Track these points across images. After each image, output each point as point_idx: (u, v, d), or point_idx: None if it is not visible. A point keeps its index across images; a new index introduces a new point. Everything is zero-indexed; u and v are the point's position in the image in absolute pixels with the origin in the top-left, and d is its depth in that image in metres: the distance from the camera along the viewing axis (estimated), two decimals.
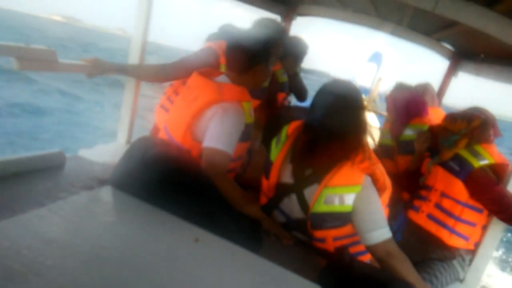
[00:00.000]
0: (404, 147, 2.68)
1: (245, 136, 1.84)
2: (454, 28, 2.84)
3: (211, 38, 2.89)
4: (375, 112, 6.68)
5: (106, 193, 1.35)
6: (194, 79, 1.88)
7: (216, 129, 1.71)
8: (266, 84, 3.10)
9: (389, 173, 2.76)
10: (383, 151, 3.04)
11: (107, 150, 2.28)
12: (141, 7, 2.42)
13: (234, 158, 1.85)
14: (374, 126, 6.04)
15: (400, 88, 3.37)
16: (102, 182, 1.64)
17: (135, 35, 2.49)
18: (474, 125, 2.11)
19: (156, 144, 1.51)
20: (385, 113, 6.97)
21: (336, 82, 1.59)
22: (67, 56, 2.10)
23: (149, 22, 2.50)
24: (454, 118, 2.17)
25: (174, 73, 2.37)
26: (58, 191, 1.52)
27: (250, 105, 1.88)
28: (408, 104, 2.68)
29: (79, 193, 1.34)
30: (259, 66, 1.86)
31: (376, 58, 7.81)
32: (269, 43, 1.89)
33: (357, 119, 1.53)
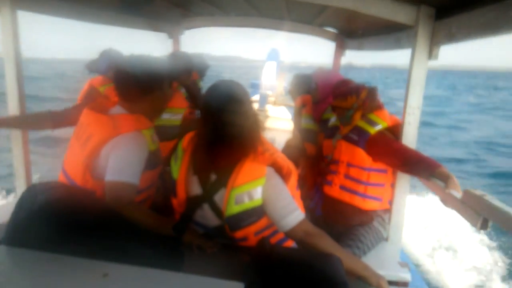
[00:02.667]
0: (328, 130, 2.80)
1: (152, 164, 1.79)
2: (329, 11, 3.04)
3: (91, 65, 2.82)
4: (285, 105, 6.93)
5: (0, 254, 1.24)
6: (86, 116, 1.78)
7: (116, 161, 1.64)
8: (184, 94, 3.13)
9: (312, 156, 2.90)
10: (306, 135, 3.16)
11: (4, 209, 2.10)
12: (5, 18, 2.29)
13: (144, 188, 1.79)
14: (286, 118, 6.24)
15: (298, 78, 3.54)
16: None
17: (6, 55, 2.34)
18: (362, 97, 2.27)
19: (46, 189, 1.42)
20: (293, 104, 7.29)
21: (220, 83, 1.61)
22: None
23: (19, 44, 2.37)
24: (343, 95, 2.31)
25: (64, 119, 2.28)
26: None
27: (151, 132, 1.82)
28: (332, 86, 2.81)
29: None
30: (155, 93, 1.82)
31: (273, 55, 8.13)
32: (162, 69, 1.85)
33: (247, 115, 1.56)
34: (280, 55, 8.41)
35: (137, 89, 1.76)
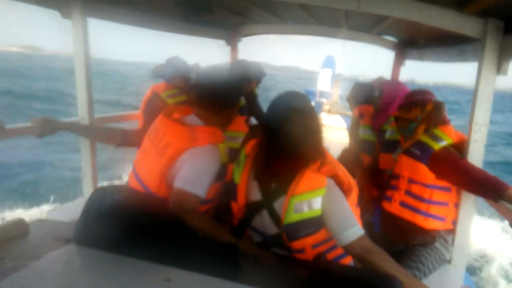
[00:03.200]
0: (385, 143, 2.72)
1: (221, 176, 1.82)
2: (389, 20, 2.96)
3: (158, 70, 2.93)
4: (340, 113, 6.82)
5: (69, 252, 1.31)
6: (162, 123, 1.82)
7: (188, 171, 1.68)
8: (242, 102, 3.17)
9: (368, 168, 2.82)
10: (363, 146, 3.09)
11: (72, 208, 2.23)
12: (76, 25, 2.43)
13: (210, 199, 1.82)
14: (340, 127, 6.13)
15: (357, 86, 3.46)
16: (67, 242, 1.59)
17: (77, 67, 2.50)
18: (428, 110, 2.18)
19: (113, 192, 1.48)
20: (349, 112, 7.15)
21: (285, 95, 1.61)
22: None
23: (89, 49, 2.52)
24: (408, 107, 2.22)
25: (133, 140, 2.36)
26: (24, 259, 1.46)
27: (225, 146, 1.84)
28: (398, 96, 2.72)
29: (43, 257, 1.28)
30: (232, 109, 1.88)
31: (329, 62, 8.05)
32: (242, 86, 1.90)
33: (311, 127, 1.56)
34: (336, 62, 8.31)
35: (221, 101, 1.82)
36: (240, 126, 2.45)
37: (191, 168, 1.67)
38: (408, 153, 2.19)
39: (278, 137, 1.51)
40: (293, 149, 1.51)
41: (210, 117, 1.82)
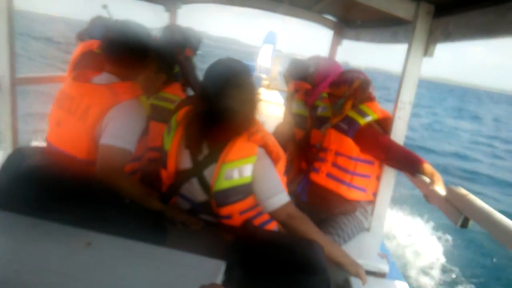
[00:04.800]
0: (316, 119, 2.80)
1: (146, 130, 1.80)
2: None
3: (83, 35, 2.76)
4: (278, 89, 6.91)
5: None
6: (75, 88, 1.71)
7: (115, 127, 1.61)
8: (176, 69, 3.08)
9: (300, 141, 2.91)
10: (296, 120, 3.17)
11: None
12: None
13: (138, 156, 1.78)
14: (278, 103, 6.24)
15: (294, 63, 3.52)
16: None
17: None
18: (354, 86, 2.30)
19: (34, 153, 1.41)
20: (285, 89, 7.27)
21: (225, 60, 1.60)
22: None
23: (13, 17, 2.31)
24: (337, 83, 2.34)
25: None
26: None
27: (145, 99, 1.81)
28: (331, 74, 2.80)
29: None
30: (148, 60, 1.83)
31: (270, 38, 8.06)
32: (150, 36, 1.84)
33: (247, 95, 1.57)
34: (277, 39, 8.35)
35: (132, 53, 1.75)
36: (176, 91, 2.45)
37: (118, 124, 1.62)
38: (336, 127, 2.30)
39: (213, 103, 1.50)
40: (228, 116, 1.51)
41: (124, 72, 1.76)
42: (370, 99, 2.35)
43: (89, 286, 0.97)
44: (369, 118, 2.23)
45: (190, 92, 3.71)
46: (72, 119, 1.65)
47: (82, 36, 2.77)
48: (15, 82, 2.46)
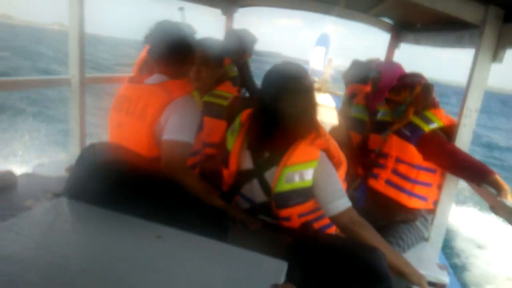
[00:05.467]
0: (376, 123, 2.74)
1: (201, 125, 1.87)
2: (388, 1, 2.94)
3: (148, 39, 2.86)
4: (330, 92, 6.83)
5: (61, 205, 1.31)
6: (132, 90, 1.81)
7: (174, 123, 1.69)
8: (235, 73, 3.15)
9: (357, 145, 2.86)
10: (354, 124, 3.12)
11: (60, 163, 2.21)
12: (73, 4, 2.38)
13: (196, 151, 1.84)
14: (330, 106, 6.16)
15: (355, 65, 3.45)
16: (57, 196, 1.60)
17: (71, 28, 2.45)
18: (416, 92, 2.21)
19: (107, 148, 1.49)
20: (340, 92, 7.17)
21: (283, 64, 1.61)
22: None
23: (84, 13, 2.46)
24: (397, 89, 2.26)
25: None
26: (12, 210, 1.46)
27: (197, 94, 1.89)
28: (395, 78, 2.73)
29: (34, 208, 1.29)
30: (194, 57, 1.90)
31: (323, 40, 7.98)
32: (194, 33, 1.89)
33: (307, 99, 1.57)
34: (330, 41, 8.24)
35: (174, 51, 1.81)
36: (229, 88, 2.52)
37: (176, 119, 1.69)
38: (398, 133, 2.23)
39: (273, 108, 1.52)
40: (289, 121, 1.52)
41: (172, 70, 1.82)
42: (434, 105, 2.25)
43: (158, 276, 1.00)
44: (434, 125, 2.15)
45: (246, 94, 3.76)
46: (132, 120, 1.74)
47: (148, 40, 2.89)
48: (84, 81, 2.62)
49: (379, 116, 2.75)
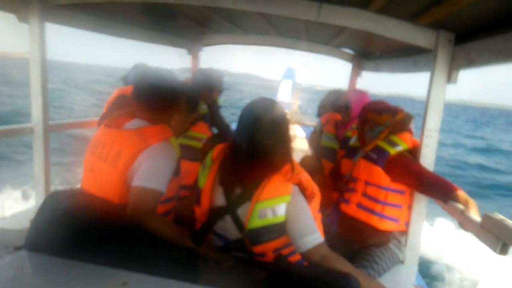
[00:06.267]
0: (348, 149, 2.79)
1: (177, 170, 1.82)
2: (346, 32, 3.08)
3: (127, 79, 2.87)
4: (298, 123, 6.96)
5: (20, 259, 1.26)
6: (106, 134, 1.77)
7: (146, 169, 1.64)
8: (205, 110, 3.17)
9: (329, 173, 2.89)
10: (324, 153, 3.16)
11: (23, 216, 2.13)
12: (33, 27, 2.37)
13: (171, 197, 1.80)
14: (300, 137, 6.25)
15: (332, 93, 3.55)
16: (18, 249, 1.52)
17: (32, 56, 2.42)
18: (397, 118, 2.29)
19: (67, 196, 1.44)
20: (308, 122, 7.31)
21: (259, 100, 1.63)
22: None
23: (46, 48, 2.45)
24: (379, 111, 2.32)
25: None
26: None
27: (175, 140, 1.84)
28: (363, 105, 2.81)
29: None
30: (177, 104, 1.88)
31: (289, 74, 8.22)
32: (179, 82, 1.89)
33: (283, 133, 1.59)
34: (296, 74, 8.49)
35: (162, 96, 1.79)
36: (203, 129, 2.50)
37: (149, 166, 1.64)
38: (366, 157, 2.28)
39: (248, 144, 1.52)
40: (264, 156, 1.53)
41: (154, 116, 1.79)
42: (403, 130, 2.33)
43: None
44: (399, 148, 2.21)
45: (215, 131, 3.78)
46: (104, 165, 1.69)
47: (126, 80, 2.90)
48: (48, 128, 2.57)
49: (351, 142, 2.81)
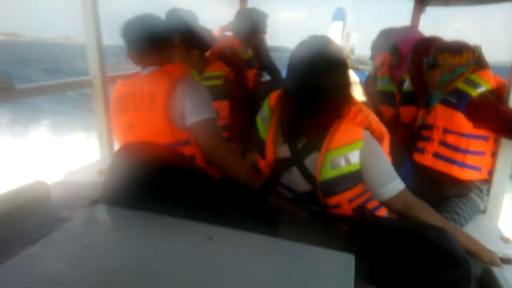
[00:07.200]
0: (405, 97, 2.61)
1: None
2: None
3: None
4: (351, 67, 6.62)
5: (100, 213, 1.23)
6: (128, 86, 1.75)
7: (192, 103, 1.64)
8: (249, 55, 3.04)
9: (390, 120, 2.72)
10: (382, 98, 2.98)
11: (90, 169, 2.15)
12: (87, 11, 2.31)
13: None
14: (354, 81, 5.96)
15: (386, 33, 3.27)
16: (94, 203, 1.52)
17: (88, 41, 2.39)
18: (477, 55, 2.04)
19: (140, 148, 1.40)
20: (362, 66, 6.94)
21: (312, 39, 1.47)
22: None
23: (100, 24, 2.39)
24: (457, 50, 2.05)
25: None
26: (49, 222, 1.40)
27: (195, 73, 1.81)
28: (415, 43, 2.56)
29: (72, 219, 1.21)
30: (173, 40, 1.85)
31: (340, 14, 7.70)
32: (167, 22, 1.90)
33: (341, 74, 1.43)
34: (346, 15, 7.96)
35: (150, 42, 1.74)
36: (217, 66, 2.46)
37: (194, 99, 1.64)
38: (443, 102, 2.06)
39: (305, 86, 1.39)
40: (324, 98, 1.39)
41: (158, 59, 1.76)
42: (483, 67, 2.06)
43: (219, 282, 0.91)
44: (482, 89, 1.97)
45: (267, 77, 3.63)
46: (144, 114, 1.66)
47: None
48: (106, 80, 2.55)
49: (405, 86, 2.58)
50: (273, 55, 3.57)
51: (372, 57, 3.36)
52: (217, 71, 2.43)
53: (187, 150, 1.68)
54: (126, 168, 1.31)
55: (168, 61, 1.77)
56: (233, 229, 1.15)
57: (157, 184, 1.23)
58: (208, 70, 2.41)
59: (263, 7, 3.26)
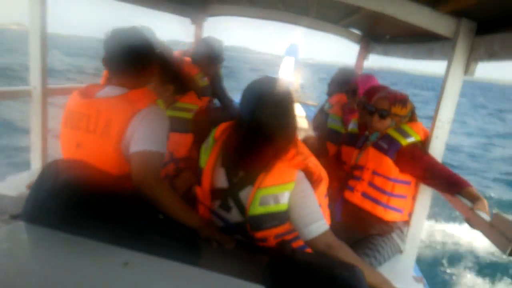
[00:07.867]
0: (349, 138, 2.73)
1: (167, 136, 1.74)
2: (359, 13, 2.97)
3: (105, 46, 2.76)
4: (300, 102, 6.87)
5: (18, 230, 1.20)
6: (85, 105, 1.62)
7: (142, 132, 1.56)
8: (205, 83, 3.06)
9: (331, 158, 2.85)
10: (330, 135, 3.10)
11: (19, 181, 2.07)
12: (35, 29, 2.28)
13: (163, 162, 1.72)
14: (301, 116, 6.18)
15: (342, 72, 3.44)
16: (14, 217, 1.47)
17: (32, 28, 2.33)
18: (413, 107, 2.24)
19: (70, 167, 1.38)
20: (309, 101, 7.21)
21: (264, 79, 1.55)
22: None
23: (46, 12, 2.35)
24: (404, 103, 2.21)
25: None
26: None
27: (162, 103, 1.78)
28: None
29: None
30: (150, 64, 1.76)
31: (292, 50, 8.01)
32: (151, 41, 1.76)
33: (288, 114, 1.52)
34: (299, 51, 8.27)
35: (137, 57, 1.67)
36: (192, 99, 2.42)
37: (145, 129, 1.56)
38: (376, 146, 2.21)
39: (253, 122, 1.46)
40: (267, 138, 1.46)
41: (128, 80, 1.68)
42: (414, 119, 2.27)
43: None
44: (411, 139, 2.15)
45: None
46: (94, 138, 1.59)
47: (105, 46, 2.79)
48: (47, 92, 2.49)
49: (350, 127, 2.74)
50: (233, 55, 3.56)
51: (329, 93, 3.50)
52: (190, 104, 2.38)
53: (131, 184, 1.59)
54: (52, 185, 1.29)
55: (138, 85, 1.70)
56: (152, 254, 1.16)
57: (81, 205, 1.22)
58: (181, 101, 2.35)
59: (218, 34, 3.33)
